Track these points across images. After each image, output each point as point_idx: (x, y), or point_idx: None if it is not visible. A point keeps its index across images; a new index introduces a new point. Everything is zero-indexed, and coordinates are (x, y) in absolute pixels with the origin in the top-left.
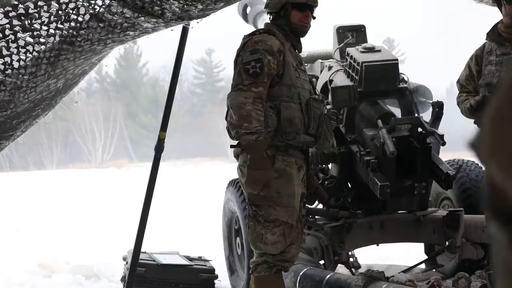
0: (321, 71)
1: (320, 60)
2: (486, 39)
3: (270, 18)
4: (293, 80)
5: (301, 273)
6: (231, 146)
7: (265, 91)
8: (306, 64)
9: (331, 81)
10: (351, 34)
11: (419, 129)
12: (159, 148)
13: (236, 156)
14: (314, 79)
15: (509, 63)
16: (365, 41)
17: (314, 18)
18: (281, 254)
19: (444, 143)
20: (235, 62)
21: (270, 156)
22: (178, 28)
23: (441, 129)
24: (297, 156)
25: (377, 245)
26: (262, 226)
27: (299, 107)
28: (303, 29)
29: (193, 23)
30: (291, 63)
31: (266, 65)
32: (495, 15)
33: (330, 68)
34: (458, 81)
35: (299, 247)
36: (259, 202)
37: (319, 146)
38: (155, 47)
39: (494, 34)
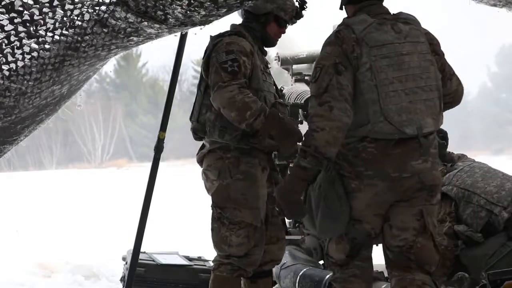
0: None
1: None
2: None
3: (244, 16)
4: (261, 83)
5: (300, 273)
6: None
7: (245, 85)
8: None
9: None
10: None
11: None
12: (158, 148)
13: (200, 161)
14: None
15: None
16: None
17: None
18: (246, 256)
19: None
20: (206, 63)
21: (236, 158)
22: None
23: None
24: (260, 157)
25: (377, 245)
26: (226, 228)
27: None
28: (273, 42)
29: (196, 29)
30: (259, 66)
31: (242, 65)
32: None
33: None
34: None
35: (263, 248)
36: (224, 204)
37: (283, 150)
38: (154, 48)
39: None
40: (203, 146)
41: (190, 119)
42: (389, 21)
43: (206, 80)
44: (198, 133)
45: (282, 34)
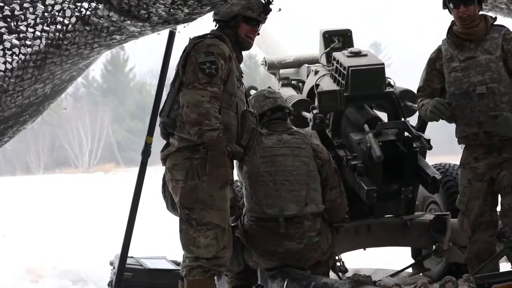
0: (307, 76)
1: (307, 65)
2: (446, 41)
3: (216, 25)
4: (235, 89)
5: (288, 278)
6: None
7: (219, 92)
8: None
9: (317, 85)
10: (338, 39)
11: (406, 134)
12: (146, 152)
13: (164, 159)
14: (300, 84)
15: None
16: (352, 45)
17: (258, 34)
18: (216, 259)
19: (430, 147)
20: (184, 60)
21: (204, 160)
22: (165, 33)
23: (427, 133)
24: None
25: (364, 249)
26: (194, 230)
27: (235, 117)
28: (247, 44)
29: (180, 27)
30: (235, 72)
31: (220, 68)
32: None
33: (316, 72)
34: (418, 89)
35: (232, 250)
36: (191, 206)
37: (248, 159)
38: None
39: (453, 36)
40: (168, 144)
41: (160, 114)
42: (277, 133)
43: (181, 77)
44: (167, 128)
45: (256, 35)
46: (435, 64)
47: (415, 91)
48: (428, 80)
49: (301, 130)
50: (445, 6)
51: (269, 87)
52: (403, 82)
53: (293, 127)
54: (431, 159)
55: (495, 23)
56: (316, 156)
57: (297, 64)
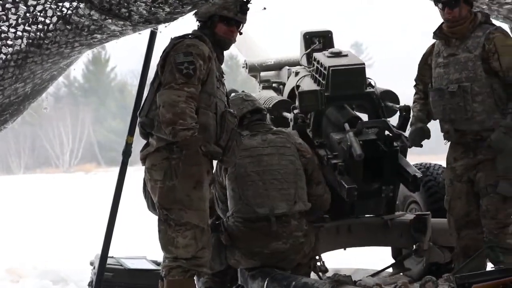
0: (288, 78)
1: (287, 67)
2: (433, 38)
3: (198, 26)
4: (214, 89)
5: (268, 278)
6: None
7: (196, 93)
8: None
9: (298, 86)
10: (318, 40)
11: (386, 132)
12: (126, 152)
13: (143, 159)
14: (281, 86)
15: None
16: (332, 46)
17: (240, 33)
18: (195, 259)
19: (411, 145)
20: (164, 60)
21: (199, 154)
22: (146, 33)
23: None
24: (205, 160)
25: (345, 249)
26: (173, 230)
27: (214, 117)
28: (227, 42)
29: (161, 27)
30: (215, 73)
31: (198, 69)
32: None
33: (297, 74)
34: (415, 79)
35: (211, 251)
36: (170, 206)
37: (226, 159)
38: (123, 52)
39: (441, 32)
40: (147, 144)
41: (139, 114)
42: (260, 133)
43: (160, 77)
44: (145, 127)
45: (238, 35)
46: (427, 59)
47: (395, 92)
48: (420, 74)
49: (284, 130)
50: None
51: (243, 91)
52: (385, 81)
53: (273, 127)
54: (412, 158)
55: (488, 21)
56: (301, 155)
57: (278, 66)
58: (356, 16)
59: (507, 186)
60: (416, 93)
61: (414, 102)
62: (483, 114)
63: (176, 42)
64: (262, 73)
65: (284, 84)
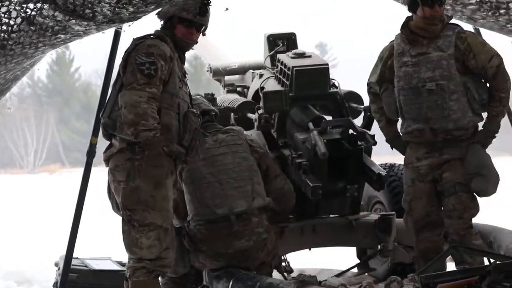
0: (252, 80)
1: (251, 71)
2: (402, 33)
3: (160, 26)
4: (176, 89)
5: (233, 278)
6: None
7: (158, 93)
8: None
9: (262, 88)
10: (282, 42)
11: (350, 131)
12: (91, 153)
13: (106, 160)
14: (246, 90)
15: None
16: (296, 48)
17: (204, 35)
18: (159, 259)
19: (375, 143)
20: (125, 60)
21: (162, 154)
22: (110, 32)
23: (373, 131)
24: (168, 161)
25: (309, 249)
26: (137, 231)
27: (177, 117)
28: (186, 44)
29: (125, 26)
30: (177, 73)
31: (160, 69)
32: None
33: (261, 76)
34: (368, 84)
35: (175, 251)
36: (133, 206)
37: (190, 160)
38: (87, 52)
39: (406, 31)
40: (111, 145)
41: (102, 115)
42: (211, 134)
43: (122, 78)
44: (108, 129)
45: (201, 36)
46: (387, 62)
47: (359, 93)
48: (380, 78)
49: (234, 127)
50: (414, 3)
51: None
52: (349, 81)
53: (222, 126)
54: (376, 159)
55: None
56: (253, 151)
57: (242, 70)
58: (320, 16)
59: (481, 182)
60: (370, 92)
61: (378, 107)
62: (458, 113)
63: (138, 43)
64: (226, 77)
65: (248, 88)
